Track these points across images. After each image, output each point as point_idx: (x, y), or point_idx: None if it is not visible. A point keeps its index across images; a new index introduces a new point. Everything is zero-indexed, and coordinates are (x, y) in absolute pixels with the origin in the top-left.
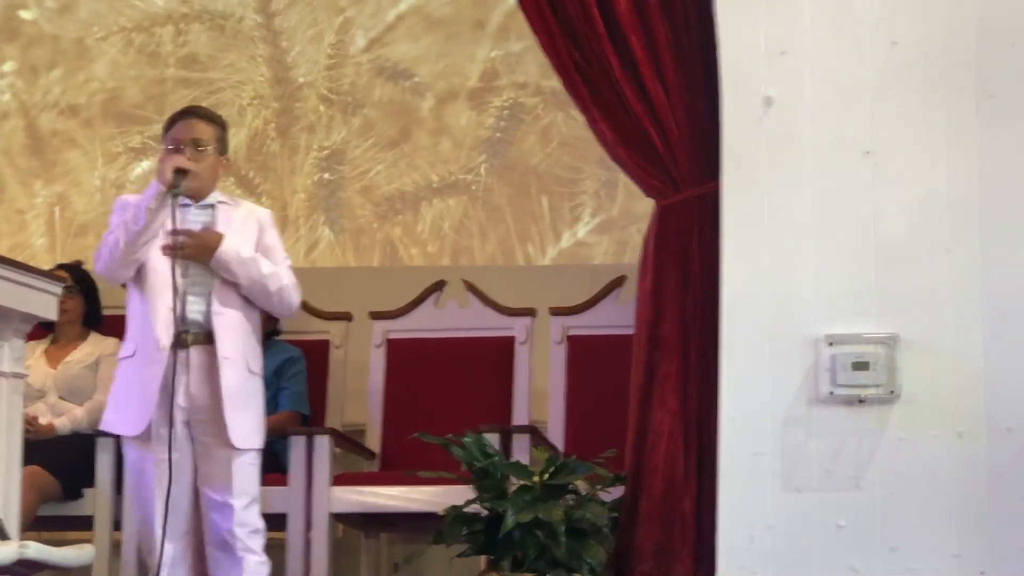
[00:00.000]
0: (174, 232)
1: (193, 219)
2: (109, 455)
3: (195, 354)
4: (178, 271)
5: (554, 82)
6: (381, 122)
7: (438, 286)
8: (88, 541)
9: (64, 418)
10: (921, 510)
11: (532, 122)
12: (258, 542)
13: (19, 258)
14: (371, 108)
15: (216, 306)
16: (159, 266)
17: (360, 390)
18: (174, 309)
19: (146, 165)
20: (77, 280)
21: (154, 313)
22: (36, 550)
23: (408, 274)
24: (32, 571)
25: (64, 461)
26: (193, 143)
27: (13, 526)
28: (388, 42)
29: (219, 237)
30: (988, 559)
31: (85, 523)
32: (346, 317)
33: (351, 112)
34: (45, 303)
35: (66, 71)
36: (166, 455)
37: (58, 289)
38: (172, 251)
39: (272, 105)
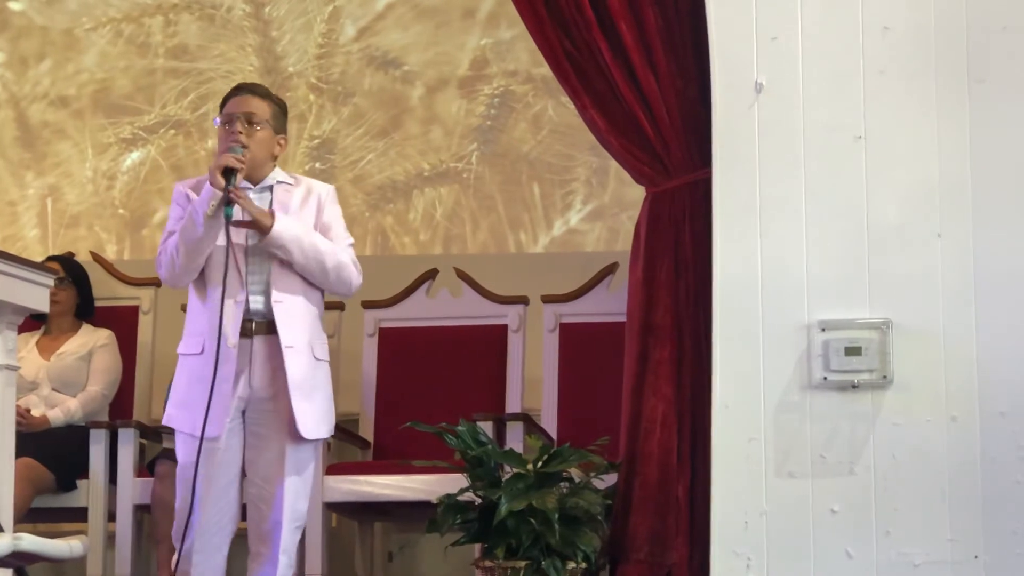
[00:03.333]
0: (232, 224)
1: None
2: (102, 446)
3: (258, 344)
4: (241, 263)
5: (544, 70)
6: (371, 111)
7: (430, 275)
8: (82, 532)
9: (57, 410)
10: (915, 495)
11: (523, 110)
12: (295, 540)
13: (11, 250)
14: (361, 97)
15: (276, 294)
16: (219, 259)
17: (353, 380)
18: (243, 302)
19: (136, 156)
20: (69, 271)
21: (220, 308)
22: (30, 542)
23: (400, 263)
24: (26, 563)
25: (58, 453)
26: (245, 116)
27: (7, 518)
28: (378, 31)
29: (271, 217)
30: (982, 543)
31: (79, 514)
32: (339, 307)
33: (341, 101)
34: (36, 295)
35: (55, 62)
36: (217, 445)
37: (49, 281)
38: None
39: None
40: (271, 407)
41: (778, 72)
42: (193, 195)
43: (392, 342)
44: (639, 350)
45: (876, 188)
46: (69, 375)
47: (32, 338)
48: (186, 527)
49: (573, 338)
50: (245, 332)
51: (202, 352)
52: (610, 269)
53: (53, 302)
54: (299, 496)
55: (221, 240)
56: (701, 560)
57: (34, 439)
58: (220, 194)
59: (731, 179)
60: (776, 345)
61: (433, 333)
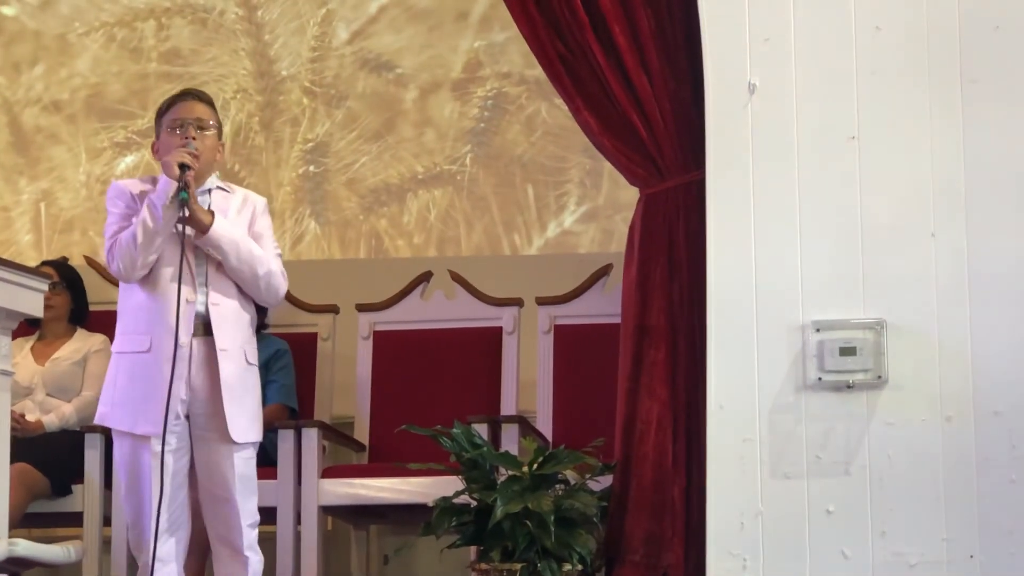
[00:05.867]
0: (181, 220)
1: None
2: (97, 451)
3: (196, 346)
4: (193, 264)
5: (538, 71)
6: (365, 114)
7: (424, 277)
8: (78, 537)
9: (52, 415)
10: (910, 494)
11: (516, 112)
12: (254, 536)
13: (5, 255)
14: (355, 100)
15: (213, 296)
16: (168, 257)
17: (348, 382)
18: (194, 302)
19: (130, 160)
20: (63, 276)
21: (168, 307)
22: (25, 547)
23: (394, 266)
24: (22, 569)
25: (53, 458)
26: (196, 122)
27: (2, 524)
28: (371, 34)
29: (211, 215)
30: (977, 542)
31: (75, 519)
32: (333, 310)
33: (335, 104)
34: (31, 300)
35: (48, 67)
36: (160, 448)
37: (44, 286)
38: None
39: (256, 98)
40: (210, 410)
41: (771, 73)
42: (140, 188)
43: (387, 345)
44: (634, 351)
45: (869, 188)
46: (64, 380)
47: (27, 343)
48: (155, 540)
49: (568, 340)
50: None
51: (149, 350)
52: (604, 270)
53: (47, 307)
54: (250, 496)
55: (169, 248)
56: (697, 561)
57: (29, 444)
58: (176, 185)
59: (724, 180)
60: (771, 346)
61: (428, 336)
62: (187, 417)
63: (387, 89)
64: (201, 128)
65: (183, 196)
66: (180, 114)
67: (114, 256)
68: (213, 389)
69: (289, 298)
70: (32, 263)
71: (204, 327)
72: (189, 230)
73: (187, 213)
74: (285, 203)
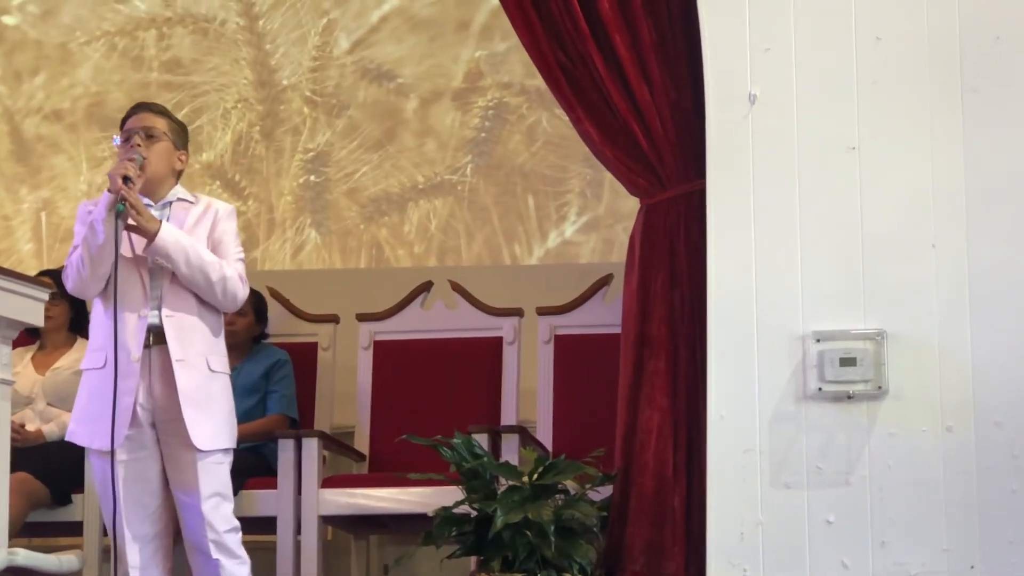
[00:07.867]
0: (120, 223)
1: None
2: None
3: (155, 355)
4: (145, 278)
5: (539, 81)
6: (366, 124)
7: (425, 287)
8: (78, 547)
9: (52, 424)
10: (910, 505)
11: (517, 122)
12: (233, 541)
13: (6, 264)
14: (356, 110)
15: (166, 309)
16: (123, 273)
17: (348, 392)
18: (146, 316)
19: None
20: (62, 286)
21: (123, 322)
22: (25, 557)
23: (395, 275)
24: None
25: (53, 467)
26: (144, 131)
27: (2, 533)
28: (372, 43)
29: (158, 224)
30: (978, 553)
31: (75, 529)
32: (333, 319)
33: (336, 114)
34: (31, 309)
35: (50, 76)
36: (127, 457)
37: (44, 295)
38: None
39: (256, 108)
40: (171, 418)
41: (772, 83)
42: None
43: (387, 355)
44: (634, 361)
45: (870, 198)
46: (64, 390)
47: (27, 353)
48: (113, 546)
49: (568, 350)
50: (144, 344)
51: (104, 366)
52: (605, 280)
53: (47, 317)
54: (220, 502)
55: (126, 251)
56: (697, 571)
57: (29, 454)
58: (112, 200)
59: (725, 190)
60: (771, 356)
61: (428, 345)
62: (153, 425)
63: (388, 99)
64: (149, 137)
65: (119, 208)
66: (129, 126)
67: (68, 275)
68: (173, 398)
69: (289, 308)
70: (33, 272)
71: (160, 338)
72: (139, 246)
73: (130, 223)
74: (286, 212)
